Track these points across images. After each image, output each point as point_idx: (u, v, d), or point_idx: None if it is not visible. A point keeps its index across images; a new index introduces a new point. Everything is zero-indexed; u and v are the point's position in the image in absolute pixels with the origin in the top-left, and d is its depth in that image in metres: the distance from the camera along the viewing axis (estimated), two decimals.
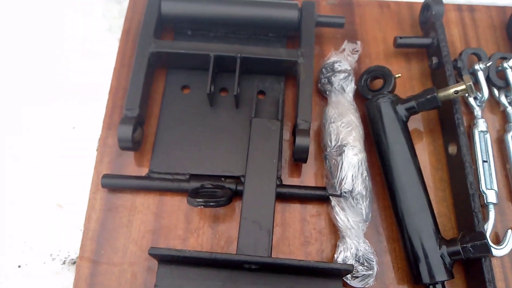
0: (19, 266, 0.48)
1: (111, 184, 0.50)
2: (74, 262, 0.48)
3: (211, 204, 0.44)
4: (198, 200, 0.44)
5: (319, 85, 0.57)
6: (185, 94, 0.56)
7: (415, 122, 0.57)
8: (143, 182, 0.50)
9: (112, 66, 0.58)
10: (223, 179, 0.50)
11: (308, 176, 0.54)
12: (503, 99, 0.57)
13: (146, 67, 0.52)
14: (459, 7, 0.66)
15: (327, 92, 0.56)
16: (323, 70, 0.56)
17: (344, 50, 0.58)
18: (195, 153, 0.52)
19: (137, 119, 0.49)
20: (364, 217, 0.48)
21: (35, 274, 0.48)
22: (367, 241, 0.48)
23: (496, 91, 0.58)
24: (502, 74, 0.58)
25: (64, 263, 0.49)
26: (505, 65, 0.57)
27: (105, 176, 0.50)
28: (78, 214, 0.50)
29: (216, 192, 0.47)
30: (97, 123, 0.55)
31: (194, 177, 0.50)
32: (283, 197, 0.51)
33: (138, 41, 0.54)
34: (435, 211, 0.51)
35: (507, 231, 0.50)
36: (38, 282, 0.48)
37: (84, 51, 0.60)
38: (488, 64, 0.57)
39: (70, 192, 0.52)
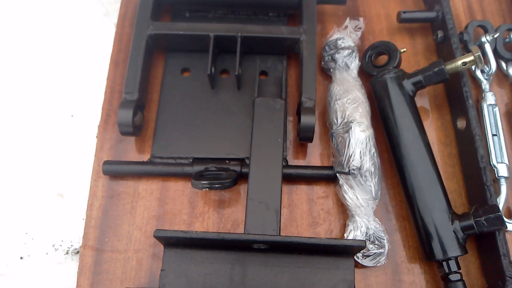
0: (21, 258, 0.47)
1: (113, 170, 0.48)
2: (78, 252, 0.47)
3: (216, 186, 0.43)
4: (203, 182, 0.43)
5: (322, 63, 0.55)
6: (185, 77, 0.54)
7: (421, 99, 0.56)
8: (145, 168, 0.48)
9: (109, 51, 0.56)
10: (227, 161, 0.49)
11: (314, 157, 0.52)
12: (511, 72, 0.56)
13: (144, 50, 0.51)
14: None
15: (331, 70, 0.54)
16: (326, 47, 0.55)
17: (346, 27, 0.57)
18: (197, 136, 0.51)
19: (136, 102, 0.48)
20: (374, 194, 0.46)
21: (38, 266, 0.47)
22: (377, 219, 0.46)
23: (503, 64, 0.57)
24: (510, 46, 0.56)
25: (67, 253, 0.47)
26: None
27: (106, 162, 0.49)
28: (80, 203, 0.49)
29: (221, 174, 0.46)
30: (96, 110, 0.53)
31: (197, 160, 0.49)
32: (289, 178, 0.49)
33: (135, 24, 0.52)
34: (445, 187, 0.50)
35: None
36: (41, 273, 0.47)
37: (80, 37, 0.58)
38: (495, 36, 0.55)
39: (71, 181, 0.50)
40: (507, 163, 0.50)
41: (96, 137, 0.52)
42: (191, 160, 0.49)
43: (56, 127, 0.53)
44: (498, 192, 0.49)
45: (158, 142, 0.51)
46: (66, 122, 0.54)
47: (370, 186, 0.46)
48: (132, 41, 0.51)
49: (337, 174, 0.47)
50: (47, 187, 0.50)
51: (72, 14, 0.60)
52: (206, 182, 0.43)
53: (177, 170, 0.48)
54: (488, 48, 0.55)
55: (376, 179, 0.47)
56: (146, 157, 0.51)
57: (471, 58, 0.49)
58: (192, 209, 0.49)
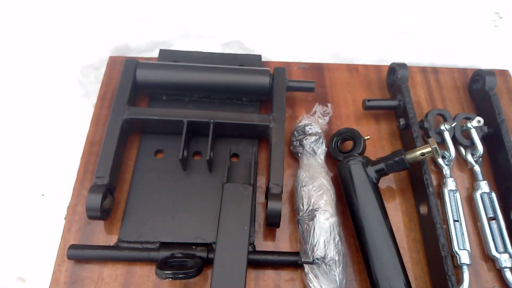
0: None
1: (78, 255, 0.48)
2: None
3: (180, 276, 0.43)
4: (166, 272, 0.43)
5: (291, 147, 0.58)
6: (158, 159, 0.56)
7: (388, 181, 0.58)
8: (111, 253, 0.48)
9: (85, 131, 0.58)
10: (194, 247, 0.49)
11: (283, 240, 0.53)
12: (469, 158, 0.59)
13: (119, 134, 0.53)
14: (423, 69, 0.69)
15: (299, 155, 0.57)
16: (295, 133, 0.58)
17: (315, 112, 0.60)
18: (166, 219, 0.51)
19: (107, 187, 0.49)
20: (338, 284, 0.47)
21: None
22: None
23: (463, 150, 0.60)
24: (467, 134, 0.60)
25: None
26: (469, 125, 0.59)
27: (72, 246, 0.48)
28: None
29: (186, 262, 0.46)
30: (68, 190, 0.54)
31: (164, 245, 0.49)
32: (256, 264, 0.50)
33: (111, 109, 0.54)
34: (410, 274, 0.51)
35: None
36: None
37: (58, 117, 0.60)
38: (453, 125, 0.59)
39: (35, 264, 0.50)
40: (469, 249, 0.52)
41: (65, 218, 0.52)
42: (158, 245, 0.49)
43: (26, 206, 0.54)
44: (460, 280, 0.50)
45: (126, 225, 0.51)
46: (36, 201, 0.54)
47: (335, 276, 0.47)
48: (108, 125, 0.53)
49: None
50: (8, 270, 0.49)
51: (51, 94, 0.62)
52: (169, 272, 0.43)
53: (143, 255, 0.48)
54: (447, 136, 0.59)
55: (340, 268, 0.47)
56: (114, 239, 0.51)
57: (429, 149, 0.51)
58: None
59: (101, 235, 0.51)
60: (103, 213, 0.48)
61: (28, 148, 0.58)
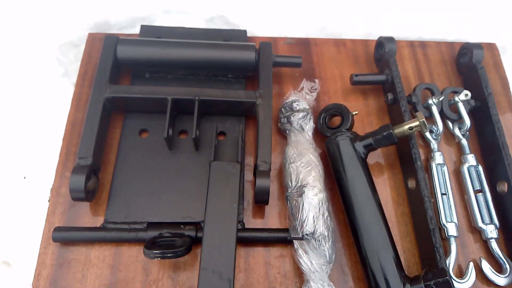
0: None
1: (63, 237, 0.47)
2: None
3: (168, 255, 0.42)
4: (154, 251, 0.42)
5: (279, 124, 0.57)
6: (143, 138, 0.55)
7: (376, 157, 0.58)
8: (97, 234, 0.47)
9: (66, 111, 0.56)
10: (182, 226, 0.48)
11: (272, 217, 0.53)
12: (457, 132, 0.59)
13: (101, 113, 0.51)
14: (411, 43, 0.68)
15: (287, 131, 0.56)
16: (282, 109, 0.57)
17: (302, 88, 0.59)
18: (153, 199, 0.50)
19: (90, 167, 0.48)
20: (328, 258, 0.47)
21: None
22: (332, 284, 0.47)
23: (450, 124, 0.60)
24: (455, 107, 0.60)
25: None
26: (457, 99, 0.59)
27: (57, 229, 0.47)
28: (28, 271, 0.47)
29: (175, 241, 0.46)
30: (50, 172, 0.52)
31: (152, 225, 0.48)
32: (245, 241, 0.49)
33: (92, 87, 0.52)
34: (399, 247, 0.51)
35: (469, 264, 0.51)
36: None
37: (37, 97, 0.58)
38: (440, 99, 0.59)
39: (20, 248, 0.49)
40: (456, 222, 0.52)
41: (49, 201, 0.51)
42: (145, 225, 0.49)
43: (7, 189, 0.52)
44: (448, 252, 0.51)
45: (113, 206, 0.50)
46: (18, 184, 0.52)
47: (324, 250, 0.47)
48: (89, 104, 0.51)
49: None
50: None
51: (29, 74, 0.59)
52: (158, 251, 0.42)
53: (131, 236, 0.47)
54: (435, 110, 0.59)
55: (330, 243, 0.47)
56: (100, 221, 0.50)
57: (417, 123, 0.51)
58: (146, 276, 0.47)
59: (87, 217, 0.50)
60: (88, 194, 0.47)
61: (7, 131, 0.56)
